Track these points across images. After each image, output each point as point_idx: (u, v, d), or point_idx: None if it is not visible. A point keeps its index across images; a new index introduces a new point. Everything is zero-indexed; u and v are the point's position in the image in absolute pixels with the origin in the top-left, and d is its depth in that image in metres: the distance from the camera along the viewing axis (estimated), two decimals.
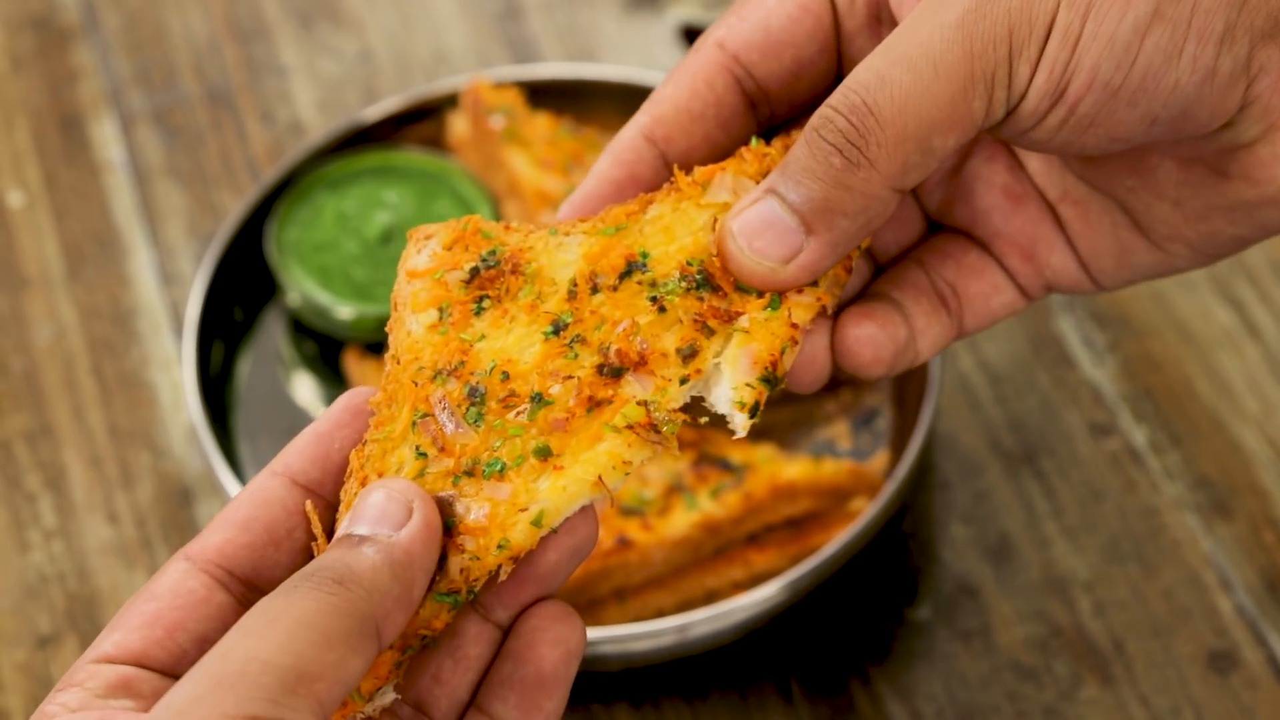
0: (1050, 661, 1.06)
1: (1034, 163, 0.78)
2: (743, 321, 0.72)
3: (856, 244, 0.72)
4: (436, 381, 0.71)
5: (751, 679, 1.06)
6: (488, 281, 0.73)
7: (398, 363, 0.73)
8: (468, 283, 0.73)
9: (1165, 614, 1.07)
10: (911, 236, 0.80)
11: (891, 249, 0.79)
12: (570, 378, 0.70)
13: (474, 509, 0.68)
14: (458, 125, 1.22)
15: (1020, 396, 1.16)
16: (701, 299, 0.72)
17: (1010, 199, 0.78)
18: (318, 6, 1.36)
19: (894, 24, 0.75)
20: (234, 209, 1.24)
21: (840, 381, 1.16)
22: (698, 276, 0.72)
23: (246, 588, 0.69)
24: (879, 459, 1.11)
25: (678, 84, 0.76)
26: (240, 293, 1.19)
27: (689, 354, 0.71)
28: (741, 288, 0.72)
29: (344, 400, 0.72)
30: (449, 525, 0.68)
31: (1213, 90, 0.70)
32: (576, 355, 0.71)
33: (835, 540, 1.04)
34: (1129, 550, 1.10)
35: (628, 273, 0.73)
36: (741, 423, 0.71)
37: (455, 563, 0.68)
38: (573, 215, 0.76)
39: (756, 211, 0.72)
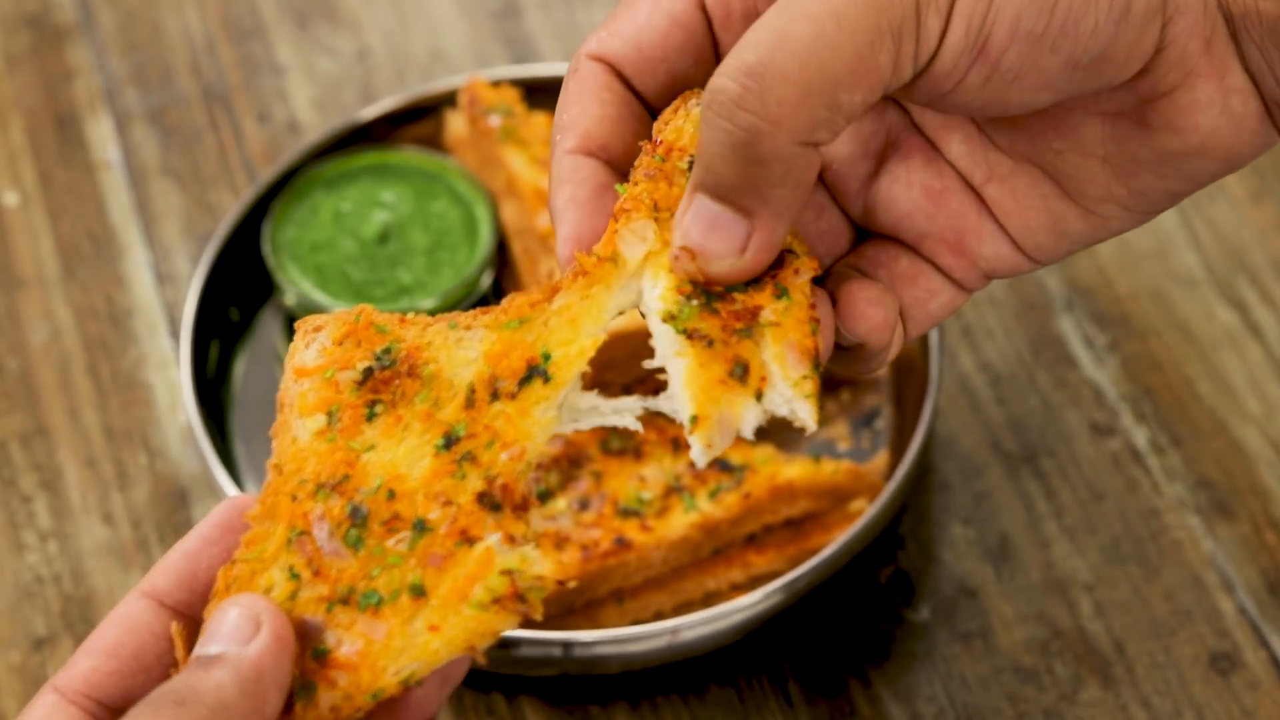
0: (1051, 663, 1.06)
1: (955, 147, 0.76)
2: (766, 314, 0.70)
3: (800, 205, 0.70)
4: (318, 497, 0.68)
5: (750, 680, 1.06)
6: (382, 384, 0.69)
7: (279, 472, 0.69)
8: (360, 384, 0.70)
9: (1166, 615, 1.07)
10: (842, 246, 0.78)
11: (826, 260, 0.78)
12: (451, 503, 0.67)
13: (346, 642, 0.67)
14: (455, 124, 1.22)
15: (1021, 397, 1.15)
16: (716, 311, 0.70)
17: (930, 197, 0.76)
18: (314, 5, 1.35)
19: None
20: (230, 208, 1.24)
21: (840, 381, 1.15)
22: (699, 295, 0.70)
23: (116, 715, 0.67)
24: (879, 460, 1.10)
25: (580, 103, 0.74)
26: (237, 292, 1.18)
27: (741, 372, 0.69)
28: (739, 287, 0.71)
29: (216, 514, 0.70)
30: (320, 652, 0.67)
31: (1128, 29, 0.70)
32: (464, 476, 0.68)
33: (835, 541, 1.04)
34: (1130, 551, 1.10)
35: (528, 378, 0.69)
36: (811, 415, 0.69)
37: (326, 698, 0.66)
38: (578, 251, 0.73)
39: (691, 217, 0.70)
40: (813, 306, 0.71)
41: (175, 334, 1.19)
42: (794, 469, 1.07)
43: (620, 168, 0.74)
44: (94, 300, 1.21)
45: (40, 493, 1.13)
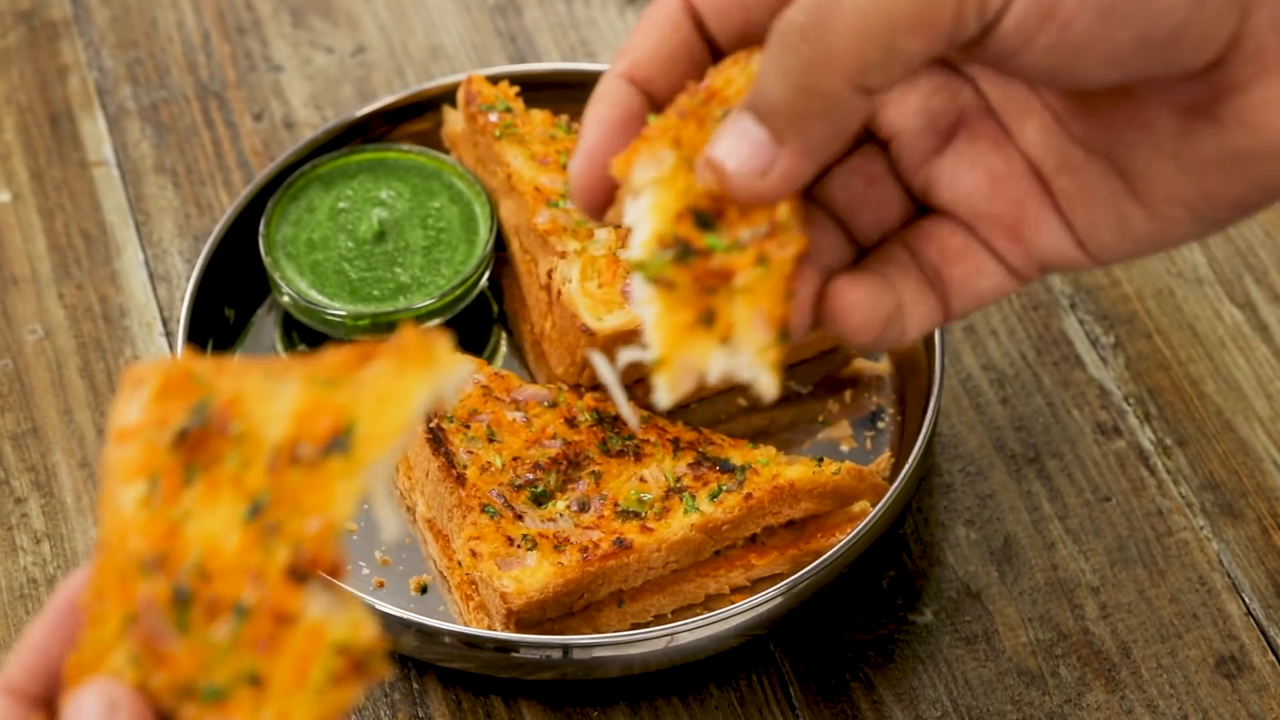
0: (1056, 666, 1.05)
1: (1030, 134, 0.76)
2: (738, 281, 0.71)
3: (832, 151, 0.71)
4: (143, 576, 0.64)
5: (752, 683, 1.05)
6: (196, 444, 0.65)
7: (106, 550, 0.65)
8: (176, 445, 0.66)
9: (1172, 618, 1.07)
10: (893, 219, 0.78)
11: (872, 232, 0.78)
12: (262, 580, 0.64)
13: None
14: (453, 121, 1.21)
15: (1025, 397, 1.15)
16: (690, 266, 0.71)
17: (993, 180, 0.76)
18: (310, 2, 1.35)
19: None
20: (226, 207, 1.23)
21: (842, 381, 1.15)
22: (678, 246, 0.71)
23: None
24: (881, 461, 1.10)
25: (646, 30, 0.75)
26: (232, 292, 1.18)
27: (708, 319, 0.70)
28: (721, 248, 0.71)
29: (58, 597, 0.67)
30: None
31: (1204, 12, 0.69)
32: (270, 549, 0.64)
33: (837, 543, 1.03)
34: (1136, 553, 1.09)
35: (328, 449, 0.64)
36: (772, 384, 0.70)
37: None
38: (588, 168, 0.74)
39: (733, 129, 0.71)
40: (791, 280, 0.71)
41: (170, 333, 1.19)
42: (796, 470, 1.06)
43: (661, 103, 0.75)
44: (88, 299, 1.20)
45: (34, 494, 1.12)
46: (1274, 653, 1.05)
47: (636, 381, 1.12)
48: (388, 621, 1.01)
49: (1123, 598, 1.07)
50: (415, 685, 1.05)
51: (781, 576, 1.04)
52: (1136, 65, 0.70)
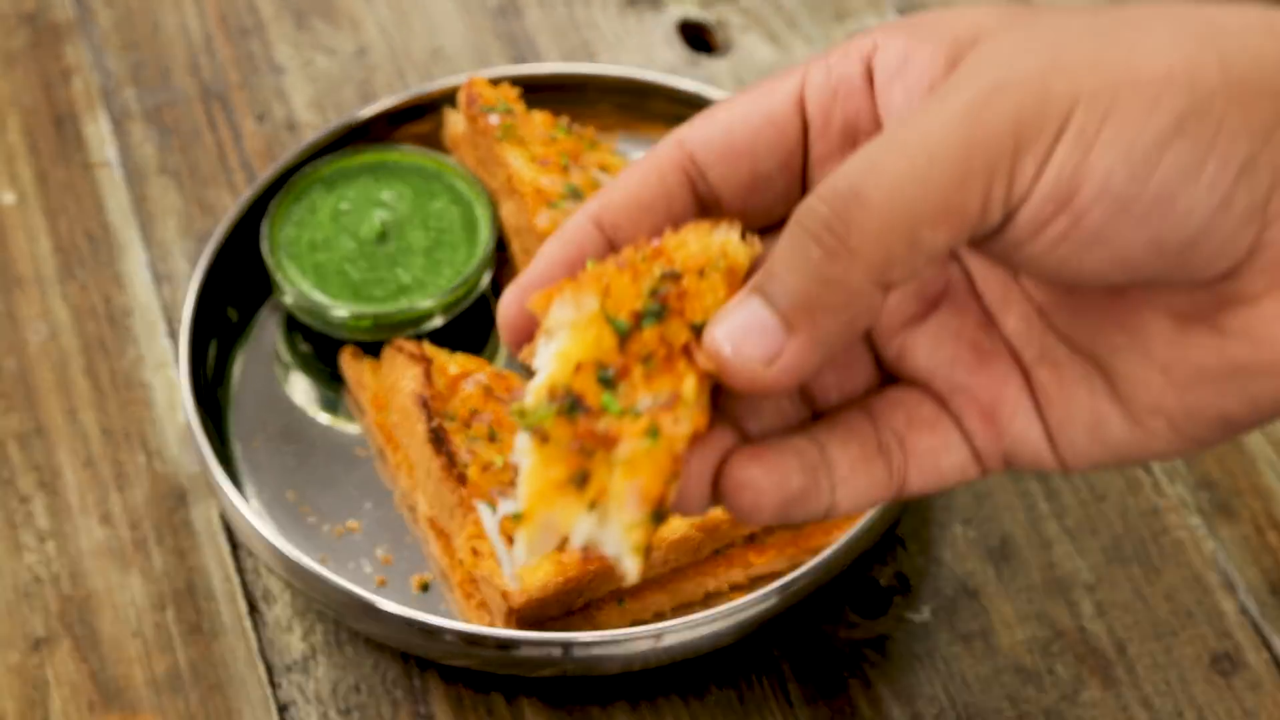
0: (1052, 663, 1.06)
1: (1012, 321, 0.73)
2: (621, 450, 0.67)
3: (843, 345, 0.68)
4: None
5: (751, 681, 1.06)
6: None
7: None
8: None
9: (1168, 616, 1.07)
10: (858, 385, 0.75)
11: (833, 395, 0.75)
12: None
13: None
14: (454, 123, 1.22)
15: None
16: (574, 422, 0.67)
17: (977, 353, 0.73)
18: (313, 4, 1.35)
19: None
20: (229, 208, 1.24)
21: None
22: (568, 399, 0.67)
23: None
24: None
25: (630, 174, 0.73)
26: (235, 292, 1.18)
27: (580, 480, 0.67)
28: (614, 410, 0.67)
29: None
30: None
31: (1226, 222, 0.66)
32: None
33: (835, 542, 1.03)
34: (1131, 551, 1.09)
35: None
36: (634, 567, 0.67)
37: None
38: (516, 298, 0.72)
39: (740, 312, 0.68)
40: (679, 460, 0.67)
41: (173, 334, 1.19)
42: None
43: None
44: (92, 300, 1.21)
45: (38, 493, 1.13)
46: (1269, 650, 1.06)
47: None
48: (389, 620, 1.02)
49: (1118, 596, 1.08)
50: (417, 683, 1.06)
51: (780, 575, 1.05)
52: (1145, 268, 0.67)
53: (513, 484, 0.67)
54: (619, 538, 0.67)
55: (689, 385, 0.67)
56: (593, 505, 0.67)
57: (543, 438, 0.67)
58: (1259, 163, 0.65)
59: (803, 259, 0.66)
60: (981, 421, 0.73)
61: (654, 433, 0.67)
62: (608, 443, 0.67)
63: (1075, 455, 0.72)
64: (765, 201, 0.74)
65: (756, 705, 1.05)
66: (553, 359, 0.69)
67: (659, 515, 0.67)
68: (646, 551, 0.67)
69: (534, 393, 0.68)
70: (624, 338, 0.68)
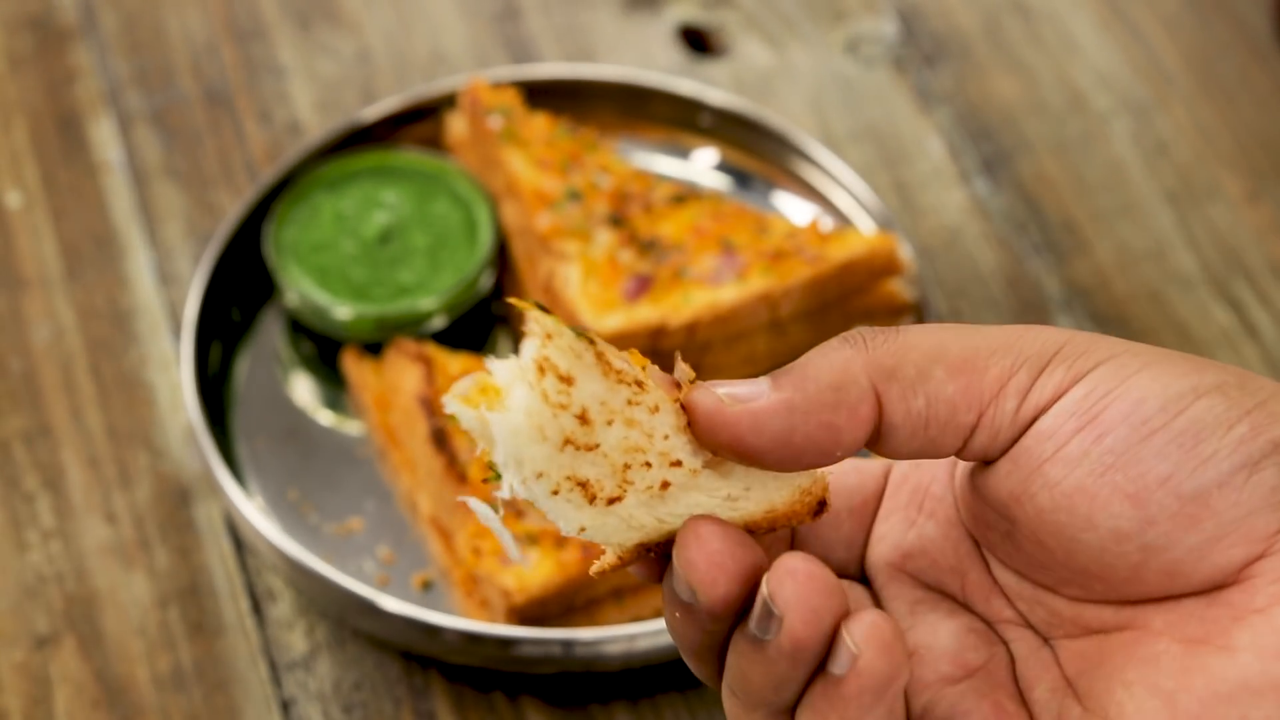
0: None
1: (1040, 691, 0.71)
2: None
3: (812, 430, 0.66)
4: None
5: None
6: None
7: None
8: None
9: None
10: None
11: None
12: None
13: None
14: (456, 125, 1.22)
15: None
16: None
17: (998, 712, 0.70)
18: (316, 7, 1.36)
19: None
20: (232, 209, 1.24)
21: None
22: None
23: None
24: (879, 459, 1.10)
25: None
26: (238, 293, 1.19)
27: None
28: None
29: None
30: None
31: (1249, 493, 0.64)
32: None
33: None
34: None
35: None
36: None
37: None
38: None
39: (745, 384, 0.67)
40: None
41: (177, 334, 1.20)
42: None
43: None
44: (96, 301, 1.21)
45: (43, 492, 1.13)
46: None
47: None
48: (391, 618, 1.03)
49: None
50: (419, 680, 1.06)
51: None
52: (1155, 512, 0.65)
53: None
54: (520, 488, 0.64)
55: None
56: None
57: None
58: None
59: (822, 345, 0.66)
60: None
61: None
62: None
63: None
64: (823, 543, 0.73)
65: None
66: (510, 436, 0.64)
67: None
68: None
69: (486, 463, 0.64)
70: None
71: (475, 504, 0.65)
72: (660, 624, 1.02)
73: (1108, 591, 0.68)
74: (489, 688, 1.06)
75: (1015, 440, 0.66)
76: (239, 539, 1.11)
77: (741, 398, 0.66)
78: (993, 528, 0.69)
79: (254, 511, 1.06)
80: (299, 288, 1.15)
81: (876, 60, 1.34)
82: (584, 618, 1.05)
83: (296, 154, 1.20)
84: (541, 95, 1.23)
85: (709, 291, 1.12)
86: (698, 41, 1.36)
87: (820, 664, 0.65)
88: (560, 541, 1.04)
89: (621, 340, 1.10)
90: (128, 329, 1.20)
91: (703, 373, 1.14)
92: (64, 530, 1.12)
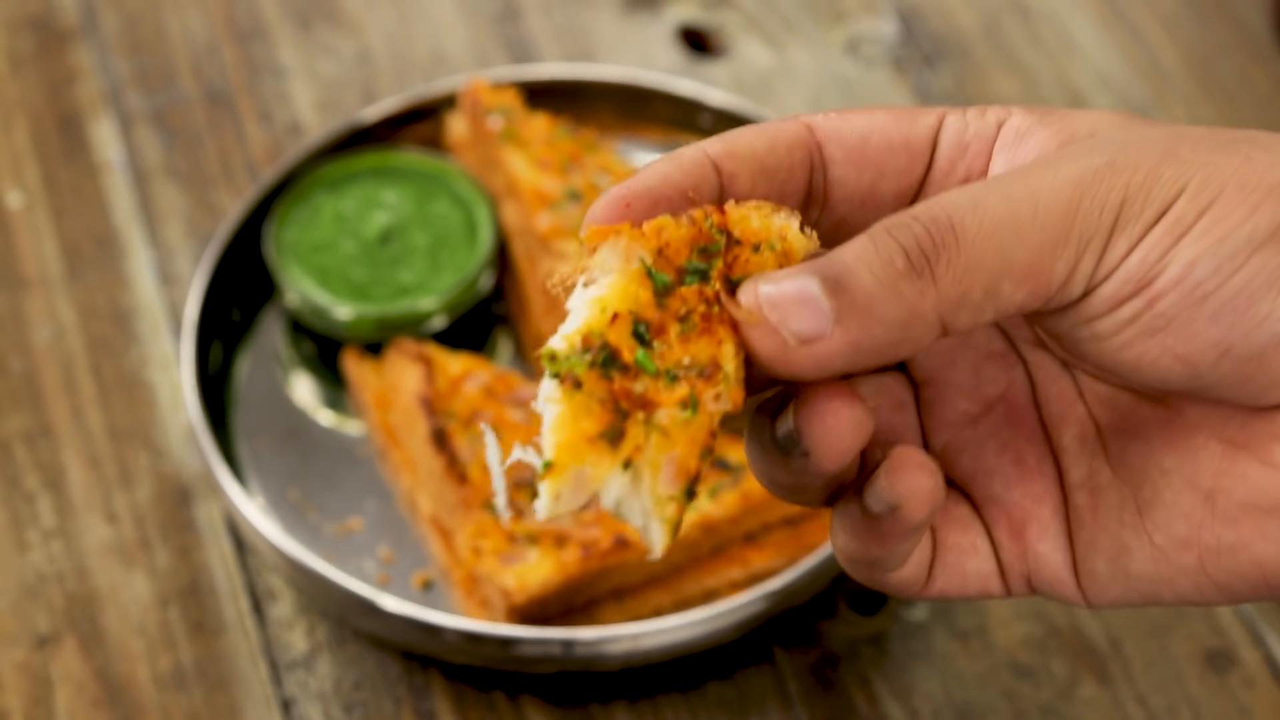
0: (1048, 660, 1.06)
1: (1068, 437, 0.71)
2: (659, 418, 0.63)
3: (876, 363, 0.65)
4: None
5: (749, 678, 1.06)
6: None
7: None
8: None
9: (1162, 613, 1.08)
10: None
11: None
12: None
13: None
14: (456, 126, 1.23)
15: None
16: (610, 379, 0.63)
17: (1019, 468, 0.71)
18: (316, 7, 1.36)
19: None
20: (232, 209, 1.24)
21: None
22: (602, 353, 0.64)
23: None
24: None
25: (757, 135, 0.70)
26: (239, 293, 1.19)
27: (614, 437, 0.62)
28: (650, 369, 0.64)
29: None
30: None
31: None
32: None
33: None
34: None
35: None
36: (662, 541, 0.63)
37: None
38: (612, 204, 0.68)
39: (793, 283, 0.64)
40: (713, 437, 0.64)
41: (177, 334, 1.20)
42: None
43: (731, 198, 0.70)
44: (97, 301, 1.21)
45: (44, 492, 1.13)
46: (1262, 648, 1.06)
47: None
48: (391, 618, 1.03)
49: None
50: (419, 680, 1.06)
51: (778, 573, 1.05)
52: (1208, 374, 0.65)
53: (534, 434, 0.63)
54: (651, 508, 0.63)
55: (730, 358, 0.64)
56: (626, 464, 0.63)
57: (575, 384, 0.63)
58: None
59: (883, 262, 0.64)
60: (1010, 537, 0.71)
61: (693, 404, 0.64)
62: (647, 406, 0.63)
63: (1097, 587, 0.70)
64: (866, 219, 0.71)
65: (755, 702, 1.05)
66: (589, 304, 0.65)
67: (690, 493, 0.64)
68: (676, 528, 0.63)
69: (566, 339, 0.64)
70: (665, 293, 0.65)
71: (488, 433, 0.64)
72: (660, 624, 1.02)
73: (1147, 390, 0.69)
74: (489, 687, 1.06)
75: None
76: (239, 539, 1.11)
77: (807, 338, 0.64)
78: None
79: (254, 511, 1.06)
80: (299, 288, 1.15)
81: (876, 60, 1.34)
82: (584, 618, 1.05)
83: (297, 154, 1.20)
84: (542, 95, 1.23)
85: None
86: (698, 42, 1.36)
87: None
88: (560, 541, 1.04)
89: None
90: (128, 329, 1.20)
91: None
92: (64, 530, 1.12)
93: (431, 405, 1.09)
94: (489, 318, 1.19)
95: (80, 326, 1.20)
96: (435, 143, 1.24)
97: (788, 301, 0.64)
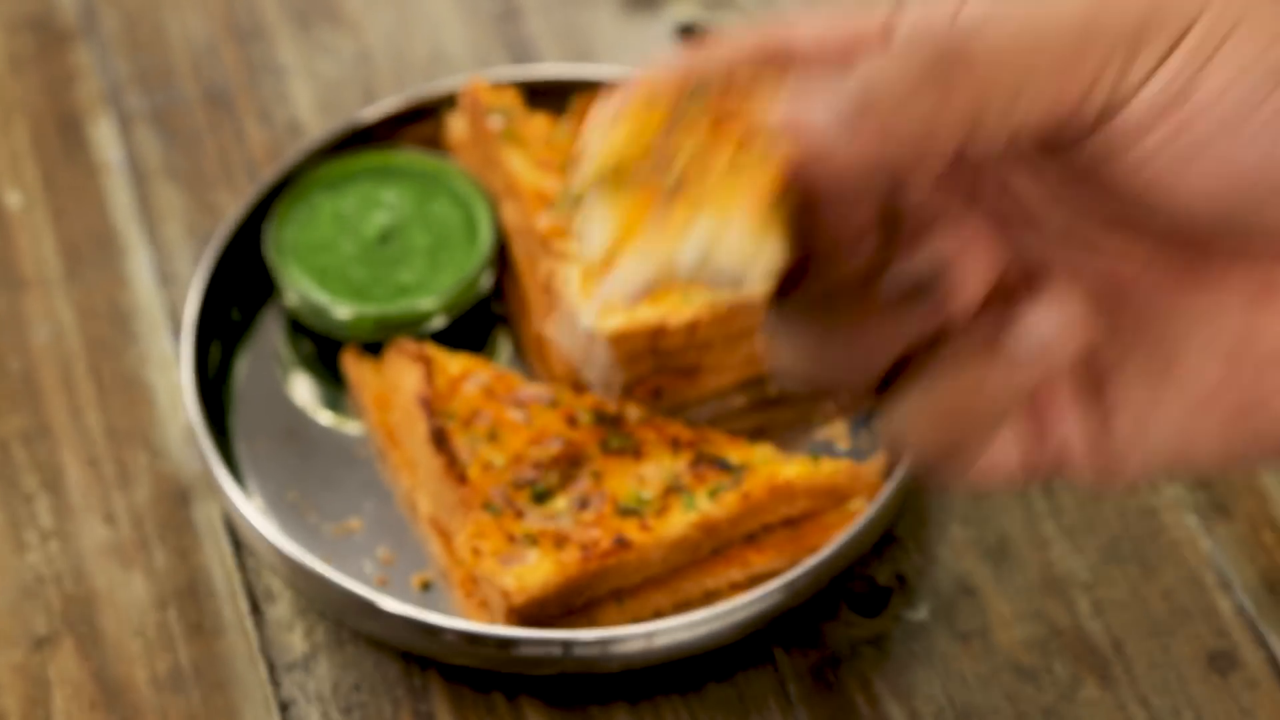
0: (1050, 662, 1.06)
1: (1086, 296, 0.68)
2: (716, 173, 0.61)
3: (886, 165, 0.63)
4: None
5: (750, 679, 1.06)
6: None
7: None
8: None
9: (1164, 614, 1.07)
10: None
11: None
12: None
13: None
14: (456, 126, 1.22)
15: None
16: (643, 181, 0.61)
17: None
18: (316, 7, 1.36)
19: None
20: (232, 209, 1.24)
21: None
22: (626, 163, 0.62)
23: None
24: (878, 459, 1.10)
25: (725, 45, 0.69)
26: (238, 293, 1.19)
27: (672, 203, 0.61)
28: (687, 153, 0.62)
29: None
30: None
31: None
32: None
33: (833, 541, 1.04)
34: (1128, 550, 1.10)
35: None
36: (761, 278, 0.61)
37: None
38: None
39: (815, 92, 0.63)
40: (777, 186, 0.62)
41: (177, 334, 1.20)
42: (793, 469, 1.07)
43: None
44: (96, 301, 1.21)
45: (42, 492, 1.13)
46: (1265, 649, 1.06)
47: (638, 383, 1.13)
48: (390, 619, 1.03)
49: (1115, 594, 1.08)
50: (418, 682, 1.06)
51: (779, 573, 1.05)
52: (1239, 202, 0.63)
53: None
54: (740, 247, 0.59)
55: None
56: (691, 220, 0.60)
57: (619, 179, 0.60)
58: None
59: (902, 72, 0.62)
60: (1029, 421, 0.68)
61: (742, 158, 0.61)
62: (690, 181, 0.60)
63: (1119, 442, 0.67)
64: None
65: (755, 704, 1.05)
66: (595, 154, 0.63)
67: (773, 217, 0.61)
68: (768, 269, 0.60)
69: (583, 173, 0.62)
70: (669, 128, 0.63)
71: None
72: (660, 625, 1.02)
73: (1163, 233, 0.66)
74: (488, 688, 1.06)
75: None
76: (238, 539, 1.11)
77: (828, 141, 0.62)
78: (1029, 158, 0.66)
79: (253, 512, 1.06)
80: (299, 288, 1.15)
81: None
82: (584, 619, 1.05)
83: (296, 154, 1.20)
84: (542, 95, 1.23)
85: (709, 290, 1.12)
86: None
87: None
88: (560, 542, 1.04)
89: (621, 340, 1.10)
90: (127, 329, 1.20)
91: (702, 373, 1.14)
92: (62, 530, 1.12)
93: (431, 405, 1.08)
94: (489, 318, 1.19)
95: (79, 326, 1.20)
96: (435, 143, 1.24)
97: (811, 103, 0.63)
